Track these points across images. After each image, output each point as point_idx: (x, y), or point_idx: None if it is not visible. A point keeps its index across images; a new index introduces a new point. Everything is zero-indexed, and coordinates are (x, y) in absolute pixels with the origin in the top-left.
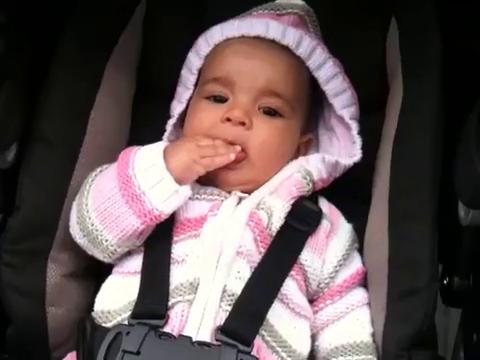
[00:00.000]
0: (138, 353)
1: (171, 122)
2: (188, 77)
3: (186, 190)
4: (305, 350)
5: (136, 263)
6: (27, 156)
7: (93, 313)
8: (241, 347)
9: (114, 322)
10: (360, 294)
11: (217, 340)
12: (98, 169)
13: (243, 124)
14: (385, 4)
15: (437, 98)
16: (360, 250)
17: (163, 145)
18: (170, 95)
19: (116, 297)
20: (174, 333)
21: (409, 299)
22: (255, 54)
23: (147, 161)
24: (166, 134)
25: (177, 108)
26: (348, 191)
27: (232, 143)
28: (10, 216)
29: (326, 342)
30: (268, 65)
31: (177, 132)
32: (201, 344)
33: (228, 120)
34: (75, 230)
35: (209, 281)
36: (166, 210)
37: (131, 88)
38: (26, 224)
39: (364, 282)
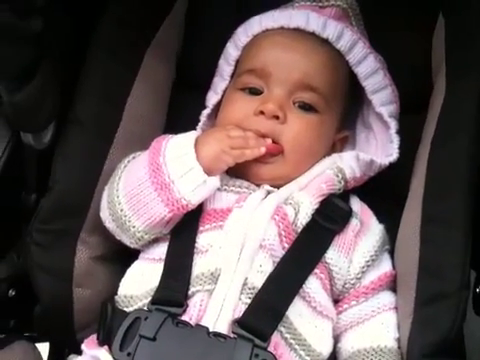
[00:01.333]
0: (154, 339)
1: (205, 112)
2: (225, 68)
3: (214, 181)
4: (325, 350)
5: (161, 250)
6: (61, 138)
7: (116, 297)
8: (257, 342)
9: (135, 307)
10: (387, 297)
11: (234, 333)
12: (131, 156)
13: (277, 118)
14: (432, 3)
15: (478, 101)
16: (392, 253)
17: (195, 135)
18: (207, 86)
19: (139, 283)
20: (192, 322)
21: (437, 305)
22: (293, 46)
23: (178, 150)
24: (200, 124)
25: (212, 98)
26: (383, 191)
27: (264, 136)
28: (43, 197)
29: (349, 344)
30: (305, 58)
31: (211, 123)
32: (217, 335)
33: (261, 113)
34: (105, 214)
35: (230, 272)
36: (193, 200)
37: (170, 77)
38: (58, 204)
39: (393, 286)
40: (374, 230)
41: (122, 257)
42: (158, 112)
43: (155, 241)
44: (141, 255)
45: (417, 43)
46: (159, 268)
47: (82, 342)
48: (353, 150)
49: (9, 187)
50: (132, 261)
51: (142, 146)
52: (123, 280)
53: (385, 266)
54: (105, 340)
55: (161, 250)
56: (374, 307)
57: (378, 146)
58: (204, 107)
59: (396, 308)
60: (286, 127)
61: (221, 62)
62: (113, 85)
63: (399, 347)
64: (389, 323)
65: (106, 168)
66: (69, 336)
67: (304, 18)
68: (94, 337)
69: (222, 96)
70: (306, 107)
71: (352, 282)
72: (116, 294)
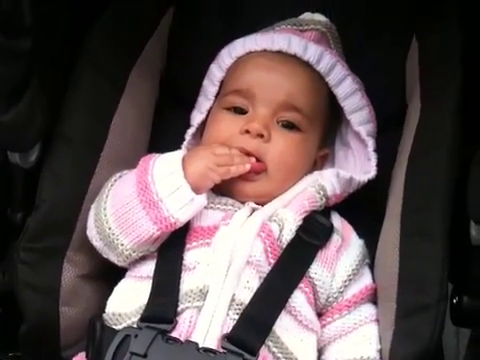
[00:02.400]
0: (145, 356)
1: (190, 131)
2: (209, 88)
3: (202, 199)
4: None
5: (149, 268)
6: (49, 155)
7: (104, 315)
8: (246, 356)
9: (124, 325)
10: (368, 310)
11: (223, 348)
12: (117, 174)
13: (261, 136)
14: (407, 24)
15: (454, 118)
16: (371, 266)
17: (181, 153)
18: (191, 105)
19: (127, 300)
20: (181, 338)
21: (417, 316)
22: (276, 68)
23: (166, 169)
24: (185, 143)
25: (197, 118)
26: (362, 207)
27: (249, 154)
28: (29, 214)
29: (332, 357)
30: (288, 79)
31: (196, 142)
32: (207, 350)
33: (247, 132)
34: (92, 232)
35: (218, 289)
36: (182, 218)
37: (153, 95)
38: (44, 222)
39: (374, 298)
40: (354, 245)
41: (108, 275)
42: (142, 130)
43: (142, 259)
44: (128, 273)
45: (392, 62)
46: (147, 286)
47: None
48: (332, 167)
49: None
50: (118, 279)
51: (127, 164)
52: (110, 298)
53: (366, 280)
54: (94, 358)
55: (148, 268)
56: (356, 320)
57: (356, 163)
58: (187, 125)
59: (377, 320)
60: (270, 145)
61: (205, 83)
62: (100, 102)
63: (381, 358)
64: (371, 335)
65: (92, 186)
66: (55, 355)
67: (286, 41)
68: (82, 355)
69: (207, 115)
70: (290, 126)
71: (335, 296)
72: (102, 312)
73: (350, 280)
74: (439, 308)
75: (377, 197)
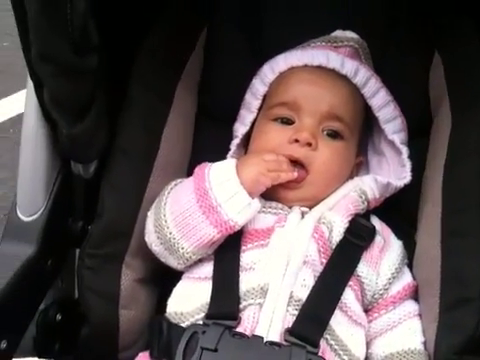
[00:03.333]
0: (215, 350)
1: (235, 142)
2: (252, 102)
3: (257, 203)
4: (362, 355)
5: (206, 270)
6: (107, 167)
7: (166, 315)
8: (309, 348)
9: (187, 323)
10: (412, 306)
11: (286, 341)
12: (173, 183)
13: (310, 145)
14: (428, 38)
15: None
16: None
17: (234, 162)
18: (222, 117)
19: (188, 300)
20: (246, 333)
21: (461, 309)
22: (318, 82)
23: (222, 176)
24: (230, 153)
25: (240, 129)
26: (393, 210)
27: (298, 162)
28: (88, 223)
29: (380, 350)
30: (331, 92)
31: (239, 151)
32: (272, 344)
33: (296, 141)
34: (151, 238)
35: (277, 287)
36: (240, 221)
37: (194, 108)
38: (107, 230)
39: (415, 295)
40: (395, 246)
41: (158, 279)
42: (187, 140)
43: (199, 262)
44: (185, 275)
45: (416, 75)
46: (206, 286)
47: None
48: (367, 174)
49: (58, 215)
50: (168, 282)
51: (177, 173)
52: (171, 299)
53: (407, 278)
54: (162, 355)
55: (206, 269)
56: (401, 315)
57: (390, 170)
58: (215, 137)
59: (420, 315)
60: (317, 153)
61: (248, 96)
62: (152, 116)
63: (425, 349)
64: (415, 328)
65: (147, 194)
66: (113, 357)
67: (325, 57)
68: (144, 354)
69: (250, 127)
70: (333, 135)
71: (380, 293)
72: (154, 314)
73: (394, 278)
74: None
75: (407, 200)
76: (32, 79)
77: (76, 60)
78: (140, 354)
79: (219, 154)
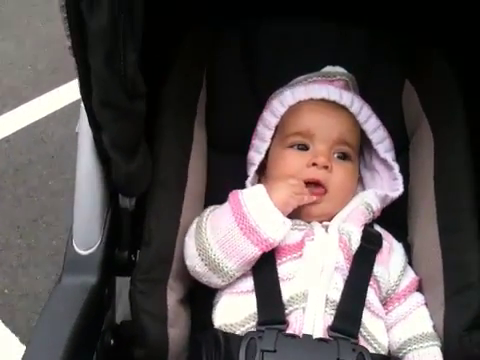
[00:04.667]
0: (275, 351)
1: (253, 169)
2: (265, 132)
3: (289, 221)
4: (386, 342)
5: (247, 284)
6: (150, 199)
7: (216, 328)
8: (352, 340)
9: (238, 332)
10: (419, 297)
11: (330, 336)
12: (208, 210)
13: (326, 167)
14: (399, 71)
15: (466, 140)
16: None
17: (263, 187)
18: (225, 149)
19: (236, 312)
20: (296, 334)
21: (465, 293)
22: (326, 112)
23: (256, 200)
24: (249, 179)
25: (256, 158)
26: (387, 218)
27: (318, 183)
28: (132, 252)
29: (396, 337)
30: (337, 121)
31: (255, 177)
32: (321, 340)
33: (314, 164)
34: (195, 261)
35: (316, 292)
36: (278, 238)
37: (206, 142)
38: (155, 257)
39: (419, 288)
40: (397, 248)
41: (190, 298)
42: (204, 172)
43: (239, 278)
44: (227, 291)
45: (391, 102)
46: (249, 298)
47: None
48: (361, 188)
49: (111, 247)
50: (197, 300)
51: (200, 200)
52: (217, 313)
53: (411, 274)
54: None
55: (247, 284)
56: (411, 305)
57: (383, 184)
58: (224, 167)
59: (426, 304)
60: (332, 174)
61: (260, 128)
62: (180, 151)
63: (436, 331)
64: (425, 315)
65: (182, 223)
66: None
67: (326, 91)
68: None
69: (265, 155)
70: (343, 157)
71: (393, 288)
72: (190, 330)
73: (402, 275)
74: None
75: (393, 209)
76: (91, 125)
77: (130, 106)
78: None
79: (227, 182)
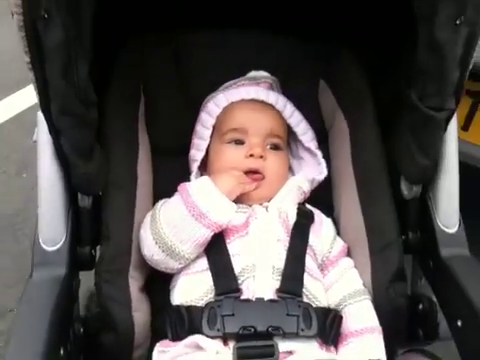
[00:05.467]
0: (233, 315)
1: (196, 165)
2: (204, 132)
3: (234, 206)
4: (325, 302)
5: (201, 264)
6: (105, 197)
7: (176, 305)
8: (297, 299)
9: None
10: (348, 260)
11: (279, 297)
12: (159, 203)
13: (261, 157)
14: (314, 72)
15: (375, 124)
16: None
17: (209, 178)
18: (167, 151)
19: (194, 289)
20: (250, 299)
21: (385, 251)
22: (257, 110)
23: (204, 190)
24: (193, 174)
25: (197, 155)
26: (315, 199)
27: (256, 171)
28: (93, 247)
29: (334, 296)
30: (267, 116)
31: (199, 172)
32: (272, 301)
33: (251, 155)
34: (152, 250)
35: (263, 262)
36: (226, 220)
37: (148, 144)
38: (115, 249)
39: (348, 254)
40: (326, 222)
41: (148, 285)
42: (151, 172)
43: (193, 260)
44: (183, 273)
45: (308, 99)
46: (205, 275)
47: None
48: (291, 174)
49: (74, 243)
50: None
51: (149, 196)
52: (175, 293)
53: (340, 242)
54: (185, 335)
55: (202, 264)
56: (342, 268)
57: (309, 169)
58: (167, 167)
59: (355, 266)
60: (267, 163)
61: (199, 128)
62: (129, 154)
63: (365, 287)
64: (355, 275)
65: (136, 218)
66: (129, 357)
67: (255, 92)
68: (164, 341)
69: (205, 152)
70: (275, 147)
71: (326, 255)
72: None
73: (332, 243)
74: (398, 241)
75: (318, 190)
76: (51, 132)
77: (86, 113)
78: (159, 343)
79: (171, 180)
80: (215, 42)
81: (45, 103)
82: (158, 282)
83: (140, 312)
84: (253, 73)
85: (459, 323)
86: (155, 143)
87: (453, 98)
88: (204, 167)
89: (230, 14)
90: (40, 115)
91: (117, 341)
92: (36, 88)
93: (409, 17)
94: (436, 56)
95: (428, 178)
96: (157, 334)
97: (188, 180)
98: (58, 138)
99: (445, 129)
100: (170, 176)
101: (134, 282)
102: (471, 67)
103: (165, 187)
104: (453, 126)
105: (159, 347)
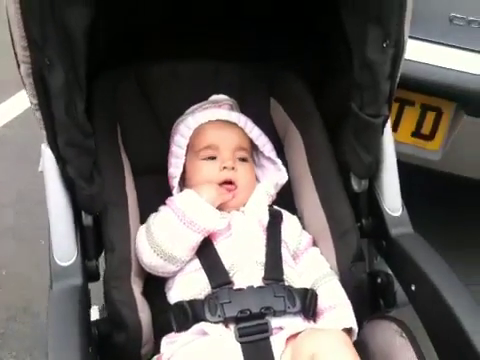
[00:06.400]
0: (230, 302)
1: (176, 180)
2: (179, 151)
3: (218, 212)
4: (301, 285)
5: (194, 265)
6: (105, 216)
7: (176, 303)
8: (280, 283)
9: None
10: (315, 249)
11: (266, 284)
12: (151, 217)
13: (233, 168)
14: (264, 92)
15: (324, 133)
16: None
17: (193, 191)
18: (144, 171)
19: (190, 287)
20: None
21: (345, 237)
22: (224, 128)
23: (190, 202)
24: (175, 189)
25: (176, 171)
26: (280, 201)
27: (230, 182)
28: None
29: (307, 279)
30: (234, 133)
31: (180, 187)
32: (260, 287)
33: (225, 168)
34: (150, 257)
35: (248, 257)
36: (214, 225)
37: (130, 168)
38: (119, 259)
39: (314, 244)
40: (292, 219)
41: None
42: (135, 191)
43: (187, 262)
44: (179, 274)
45: (262, 116)
46: (199, 274)
47: None
48: (257, 182)
49: (84, 257)
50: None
51: (137, 214)
52: (173, 292)
53: (306, 234)
54: (190, 325)
55: (195, 265)
56: (311, 256)
57: (272, 176)
58: (146, 186)
59: (321, 253)
60: (238, 173)
61: (175, 148)
62: (117, 176)
63: (332, 269)
64: (322, 260)
65: (131, 231)
66: (137, 354)
67: (219, 113)
68: (170, 334)
69: (183, 169)
70: (243, 159)
71: (297, 246)
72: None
73: (300, 236)
74: (355, 228)
75: (284, 194)
76: (58, 162)
77: (86, 143)
78: (166, 336)
79: (151, 197)
80: (175, 72)
81: (52, 137)
82: (153, 287)
83: (143, 313)
84: (214, 97)
85: (413, 287)
86: (133, 165)
87: (386, 106)
88: (183, 182)
89: (185, 47)
90: (43, 147)
91: (128, 339)
92: (43, 125)
93: (345, 42)
94: (369, 73)
95: (373, 173)
96: (156, 333)
97: (167, 195)
98: (65, 167)
99: (382, 132)
100: (149, 193)
101: (136, 287)
102: (398, 80)
103: (147, 203)
104: (388, 129)
105: (166, 339)
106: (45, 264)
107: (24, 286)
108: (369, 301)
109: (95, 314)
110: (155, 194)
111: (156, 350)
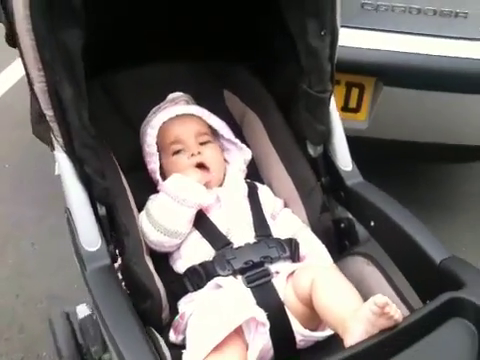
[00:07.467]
0: (235, 257)
1: (158, 174)
2: (151, 149)
3: (206, 190)
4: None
5: (195, 236)
6: (115, 205)
7: (188, 268)
8: (270, 237)
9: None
10: (288, 210)
11: (258, 240)
12: (149, 202)
13: (199, 153)
14: (218, 85)
15: (278, 109)
16: None
17: (180, 175)
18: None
19: (195, 254)
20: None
21: (311, 194)
22: (183, 121)
23: (180, 186)
24: (160, 180)
25: (155, 168)
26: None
27: (202, 165)
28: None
29: (286, 234)
30: (193, 122)
31: (162, 178)
32: (255, 242)
33: (192, 155)
34: (154, 235)
35: (240, 220)
36: (203, 200)
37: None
38: (134, 240)
39: (285, 206)
40: (264, 188)
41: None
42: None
43: (187, 235)
44: (183, 245)
45: (218, 105)
46: (202, 242)
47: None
48: (227, 163)
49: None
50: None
51: (134, 205)
52: (181, 262)
53: (278, 199)
54: (206, 282)
55: (195, 236)
56: (285, 215)
57: (236, 155)
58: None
59: (293, 212)
60: (205, 155)
61: (146, 147)
62: (115, 173)
63: (304, 222)
64: (295, 218)
65: (136, 216)
66: (159, 318)
67: (177, 110)
68: (186, 295)
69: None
70: (205, 143)
71: (273, 209)
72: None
73: (274, 201)
74: (317, 186)
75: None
76: (76, 163)
77: (95, 143)
78: (183, 297)
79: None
80: (137, 78)
81: (68, 142)
82: (156, 264)
83: (159, 283)
84: (171, 96)
85: (372, 223)
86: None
87: (329, 82)
88: (163, 177)
89: (145, 52)
90: (56, 153)
91: (152, 306)
92: (59, 133)
93: (285, 36)
94: (313, 58)
95: (326, 139)
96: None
97: (150, 190)
98: (82, 166)
99: (329, 104)
100: (136, 187)
101: (149, 263)
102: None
103: (135, 197)
104: (332, 102)
105: (184, 299)
106: None
107: None
108: (337, 244)
109: (85, 311)
110: (139, 190)
111: (171, 314)
